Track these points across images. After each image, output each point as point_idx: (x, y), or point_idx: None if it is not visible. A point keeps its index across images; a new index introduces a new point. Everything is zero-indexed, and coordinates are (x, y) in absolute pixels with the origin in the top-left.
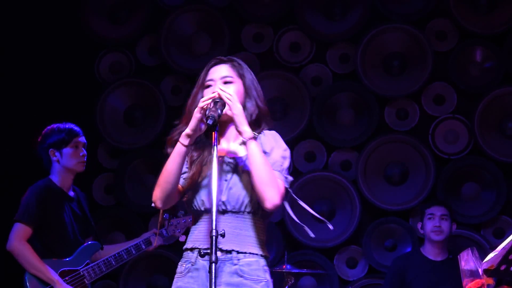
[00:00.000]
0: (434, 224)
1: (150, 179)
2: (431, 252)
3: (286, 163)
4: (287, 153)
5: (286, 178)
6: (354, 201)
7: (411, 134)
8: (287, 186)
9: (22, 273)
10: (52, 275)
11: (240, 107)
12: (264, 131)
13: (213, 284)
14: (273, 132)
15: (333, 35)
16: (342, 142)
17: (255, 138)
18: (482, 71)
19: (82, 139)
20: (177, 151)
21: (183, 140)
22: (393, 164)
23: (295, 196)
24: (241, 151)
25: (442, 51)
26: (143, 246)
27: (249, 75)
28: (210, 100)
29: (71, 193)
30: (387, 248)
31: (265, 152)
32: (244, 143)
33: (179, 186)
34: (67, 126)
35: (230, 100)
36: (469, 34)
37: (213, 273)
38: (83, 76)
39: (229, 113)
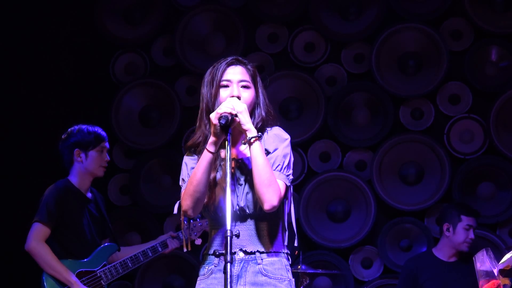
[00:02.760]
0: (470, 237)
1: (165, 179)
2: (445, 255)
3: (287, 160)
4: (288, 148)
5: (287, 176)
6: (369, 201)
7: (426, 134)
8: (288, 184)
9: (39, 273)
10: (70, 276)
11: (244, 105)
12: (267, 129)
13: (228, 284)
14: (276, 129)
15: (348, 35)
16: (357, 142)
17: (259, 137)
18: (498, 70)
19: (107, 144)
20: (205, 159)
21: (210, 147)
22: (408, 164)
23: (291, 198)
24: (249, 153)
25: (457, 51)
26: (160, 249)
27: (260, 82)
28: (224, 109)
29: (89, 195)
30: (403, 248)
31: (268, 152)
32: (248, 142)
33: None
34: (96, 130)
35: (231, 101)
36: (485, 33)
37: (228, 273)
38: (99, 76)
39: (233, 112)
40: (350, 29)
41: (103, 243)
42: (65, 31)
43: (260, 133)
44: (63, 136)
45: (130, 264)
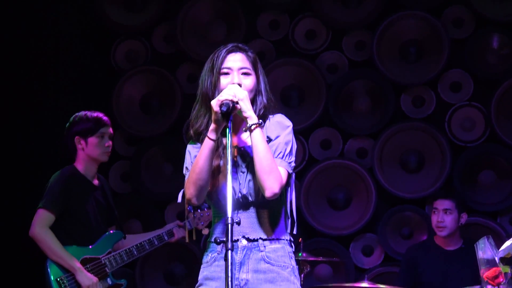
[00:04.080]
0: (437, 219)
1: (166, 167)
2: (442, 242)
3: (289, 147)
4: (291, 136)
5: (289, 163)
6: (370, 188)
7: (428, 122)
8: (290, 171)
9: (43, 259)
10: (74, 262)
11: (245, 92)
12: (269, 116)
13: (229, 271)
14: (278, 116)
15: (349, 22)
16: (358, 129)
17: (260, 124)
18: (499, 58)
19: (110, 129)
20: (206, 146)
21: (211, 134)
22: (409, 151)
23: (294, 185)
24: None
25: (458, 38)
26: (166, 237)
27: (261, 68)
28: (226, 97)
29: (95, 182)
30: (403, 236)
31: (270, 139)
32: (249, 129)
33: None
34: (95, 115)
35: (232, 88)
36: (486, 21)
37: (229, 261)
38: (99, 64)
39: (234, 99)
40: (351, 17)
41: (109, 230)
42: (65, 18)
43: (261, 120)
44: (66, 125)
45: (135, 252)
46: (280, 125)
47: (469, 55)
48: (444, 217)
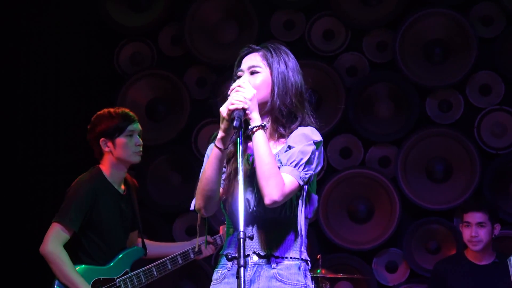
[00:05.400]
0: (471, 234)
1: (174, 177)
2: (474, 256)
3: (306, 158)
4: (310, 147)
5: (300, 173)
6: (394, 200)
7: (455, 128)
8: (300, 183)
9: (51, 276)
10: None
11: (254, 91)
12: (299, 127)
13: None
14: (307, 129)
15: (369, 21)
16: (380, 136)
17: (263, 126)
18: None
19: (138, 125)
20: (214, 155)
21: (219, 143)
22: (435, 159)
23: (304, 201)
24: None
25: (487, 38)
26: (191, 255)
27: (281, 66)
28: (236, 105)
29: (122, 188)
30: (430, 250)
31: (290, 147)
32: (251, 131)
33: (220, 189)
34: (119, 111)
35: (240, 89)
36: None
37: (241, 278)
38: (102, 67)
39: (245, 106)
40: (372, 15)
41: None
42: (66, 19)
43: (264, 122)
44: (88, 126)
45: (155, 273)
46: (305, 137)
47: (499, 56)
48: (478, 231)
